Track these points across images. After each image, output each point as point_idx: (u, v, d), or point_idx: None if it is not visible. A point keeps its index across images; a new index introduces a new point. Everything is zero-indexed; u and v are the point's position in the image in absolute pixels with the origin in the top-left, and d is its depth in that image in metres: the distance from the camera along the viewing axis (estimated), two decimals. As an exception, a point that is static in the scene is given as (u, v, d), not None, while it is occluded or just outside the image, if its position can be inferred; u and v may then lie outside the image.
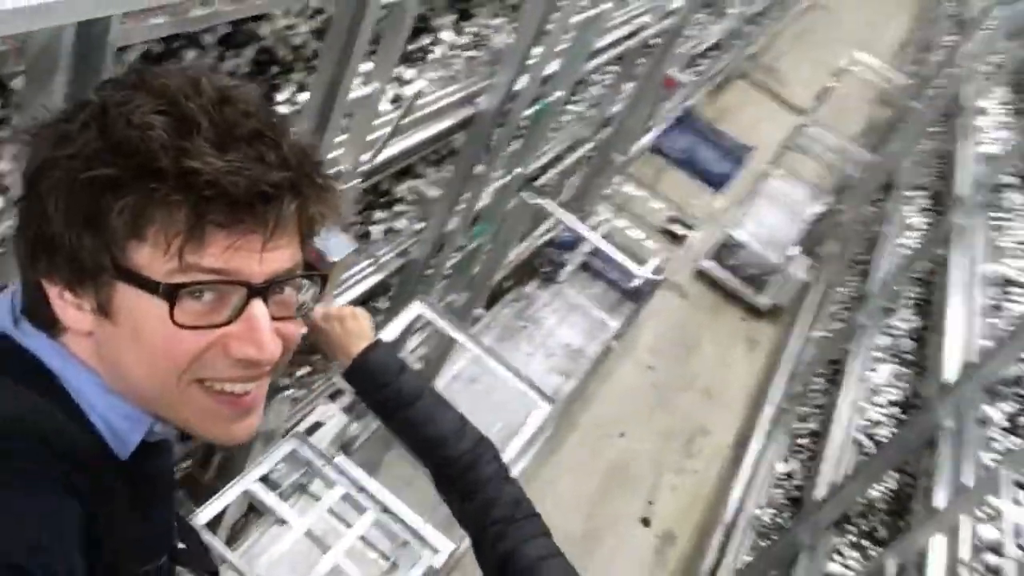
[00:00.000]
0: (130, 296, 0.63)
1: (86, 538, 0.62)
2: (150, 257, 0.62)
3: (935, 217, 4.26)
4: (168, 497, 0.83)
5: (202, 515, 1.56)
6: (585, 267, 5.13)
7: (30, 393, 0.65)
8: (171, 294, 0.62)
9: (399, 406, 1.32)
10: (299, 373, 2.63)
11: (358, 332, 1.35)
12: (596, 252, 5.07)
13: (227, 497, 1.63)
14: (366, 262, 2.52)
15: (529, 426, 2.25)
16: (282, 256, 0.66)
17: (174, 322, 0.62)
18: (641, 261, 4.18)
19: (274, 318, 0.66)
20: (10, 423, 0.62)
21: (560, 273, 4.93)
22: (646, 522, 4.03)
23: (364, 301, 2.79)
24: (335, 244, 1.54)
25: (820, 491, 2.78)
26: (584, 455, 4.21)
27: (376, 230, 2.55)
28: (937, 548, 1.80)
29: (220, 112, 0.62)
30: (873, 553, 2.20)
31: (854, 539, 2.49)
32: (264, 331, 0.65)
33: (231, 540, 1.96)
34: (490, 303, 4.57)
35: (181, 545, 0.87)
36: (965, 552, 1.68)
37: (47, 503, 0.59)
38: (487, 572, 1.27)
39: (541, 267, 4.81)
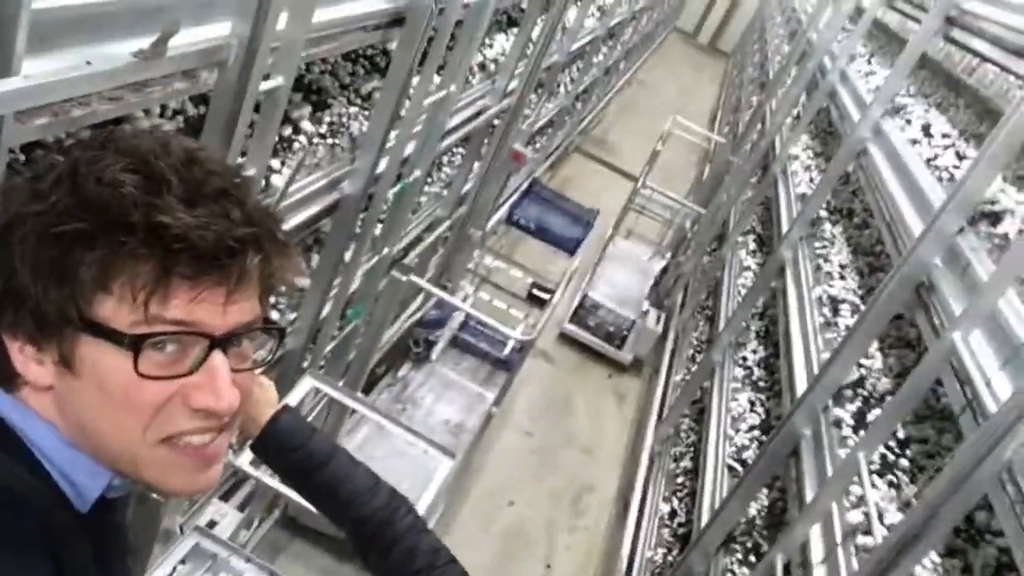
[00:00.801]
0: (94, 348, 0.64)
1: None
2: (115, 309, 0.64)
3: (765, 256, 4.70)
4: (125, 553, 0.83)
5: None
6: (455, 342, 5.22)
7: None
8: (135, 344, 0.64)
9: (312, 468, 1.30)
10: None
11: (265, 400, 1.31)
12: (465, 327, 5.20)
13: None
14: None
15: (435, 481, 2.29)
16: (243, 309, 0.69)
17: (138, 372, 0.64)
18: (511, 328, 4.34)
19: (233, 370, 0.69)
20: None
21: (432, 352, 4.99)
22: (546, 584, 4.06)
23: (243, 396, 2.75)
24: None
25: (703, 520, 2.95)
26: (476, 527, 4.22)
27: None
28: (815, 538, 1.98)
29: (188, 171, 0.65)
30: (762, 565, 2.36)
31: (741, 557, 2.65)
32: (223, 381, 0.67)
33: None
34: (367, 390, 4.56)
35: None
36: (838, 537, 1.87)
37: (29, 563, 0.60)
38: None
39: (412, 348, 4.85)
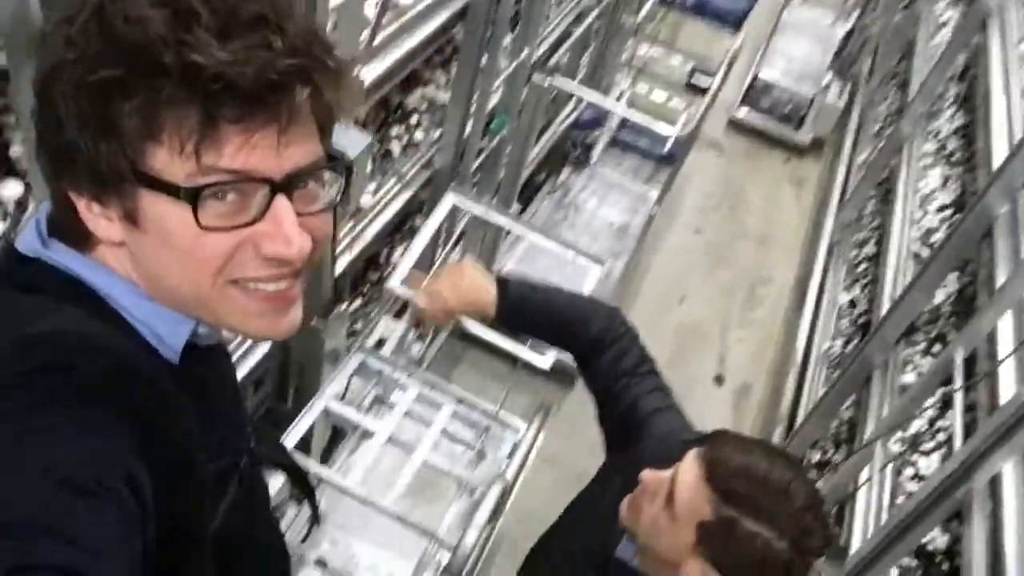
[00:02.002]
0: (154, 202, 0.62)
1: (145, 448, 0.62)
2: (168, 161, 0.61)
3: (967, 6, 4.03)
4: (233, 400, 0.86)
5: (288, 440, 1.66)
6: (615, 142, 5.05)
7: (73, 309, 0.65)
8: (193, 197, 0.61)
9: (545, 321, 1.41)
10: (356, 303, 2.70)
11: (476, 285, 1.38)
12: (623, 124, 4.98)
13: (308, 418, 1.73)
14: (392, 180, 2.55)
15: (586, 287, 2.29)
16: (301, 150, 0.64)
17: (199, 225, 0.62)
18: (670, 122, 4.12)
19: (300, 214, 0.65)
20: (60, 339, 0.62)
21: (591, 154, 4.87)
22: (719, 380, 4.09)
23: (402, 220, 2.83)
24: (350, 140, 1.51)
25: (884, 310, 2.77)
26: (647, 330, 4.20)
27: (396, 147, 2.56)
28: (1004, 328, 1.79)
29: None
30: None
31: (924, 348, 2.48)
32: (291, 226, 0.64)
33: (322, 462, 2.08)
34: (528, 199, 4.57)
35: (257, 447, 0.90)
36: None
37: (101, 422, 0.60)
38: (608, 426, 1.38)
39: (571, 152, 4.76)
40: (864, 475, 2.20)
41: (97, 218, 0.65)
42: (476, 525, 1.43)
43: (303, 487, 1.07)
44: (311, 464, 1.67)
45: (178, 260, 0.64)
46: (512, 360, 3.56)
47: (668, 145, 4.50)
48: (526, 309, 1.39)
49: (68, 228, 0.67)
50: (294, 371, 1.92)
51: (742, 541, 0.99)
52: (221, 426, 0.78)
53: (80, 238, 0.67)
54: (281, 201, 0.64)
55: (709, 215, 5.12)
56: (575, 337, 1.39)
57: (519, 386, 2.17)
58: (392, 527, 1.68)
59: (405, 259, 2.11)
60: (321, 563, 1.81)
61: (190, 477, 0.69)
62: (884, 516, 2.01)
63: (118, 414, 0.61)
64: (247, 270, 0.66)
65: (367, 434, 1.88)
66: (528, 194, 4.56)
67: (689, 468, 1.05)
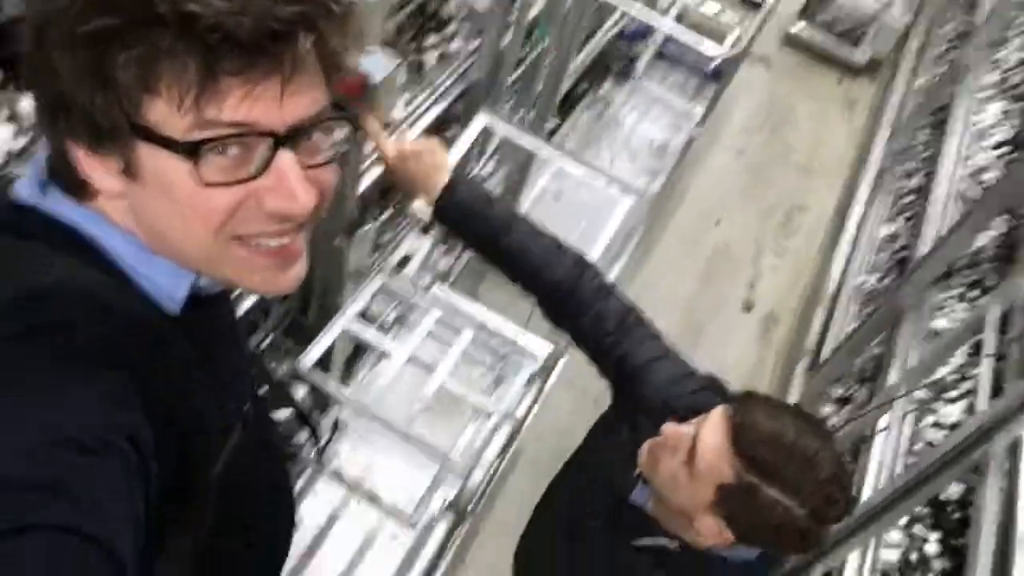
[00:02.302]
0: (153, 156, 0.61)
1: (148, 401, 0.62)
2: (166, 113, 0.59)
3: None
4: (235, 346, 0.86)
5: (307, 358, 1.68)
6: (661, 56, 4.86)
7: (71, 260, 0.64)
8: (193, 151, 0.59)
9: (492, 237, 1.33)
10: (383, 216, 2.69)
11: (436, 165, 1.33)
12: (671, 37, 4.78)
13: (328, 337, 1.75)
14: (425, 92, 2.48)
15: (615, 219, 2.25)
16: (305, 100, 0.62)
17: (200, 180, 0.60)
18: (720, 37, 3.93)
19: (306, 167, 0.64)
20: (61, 294, 0.61)
21: (635, 67, 4.70)
22: (748, 307, 4.05)
23: (435, 131, 2.78)
24: (376, 63, 1.45)
25: (924, 248, 2.69)
26: (680, 251, 4.20)
27: (430, 57, 2.48)
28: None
29: None
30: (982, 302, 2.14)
31: (959, 293, 2.42)
32: (295, 182, 0.63)
33: (343, 380, 2.12)
34: (567, 111, 4.45)
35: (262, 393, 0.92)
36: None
37: (103, 378, 0.60)
38: (608, 378, 1.35)
39: (614, 64, 4.59)
40: (884, 421, 2.19)
41: (95, 169, 0.63)
42: (483, 463, 1.44)
43: (306, 425, 1.09)
44: (329, 382, 1.70)
45: (179, 214, 0.63)
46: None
47: (714, 65, 4.33)
48: (475, 208, 1.31)
49: (66, 177, 0.65)
50: (317, 287, 1.93)
51: (762, 507, 0.99)
52: (224, 373, 0.78)
53: (78, 187, 0.65)
54: (285, 155, 0.62)
55: (753, 135, 4.96)
56: (535, 272, 1.32)
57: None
58: (409, 441, 1.72)
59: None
60: (337, 475, 1.86)
61: (194, 427, 0.69)
62: (900, 464, 2.01)
63: (120, 369, 0.61)
64: (250, 226, 0.64)
65: (386, 354, 1.90)
66: (568, 105, 4.44)
67: (714, 429, 1.04)
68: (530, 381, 1.91)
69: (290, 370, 1.70)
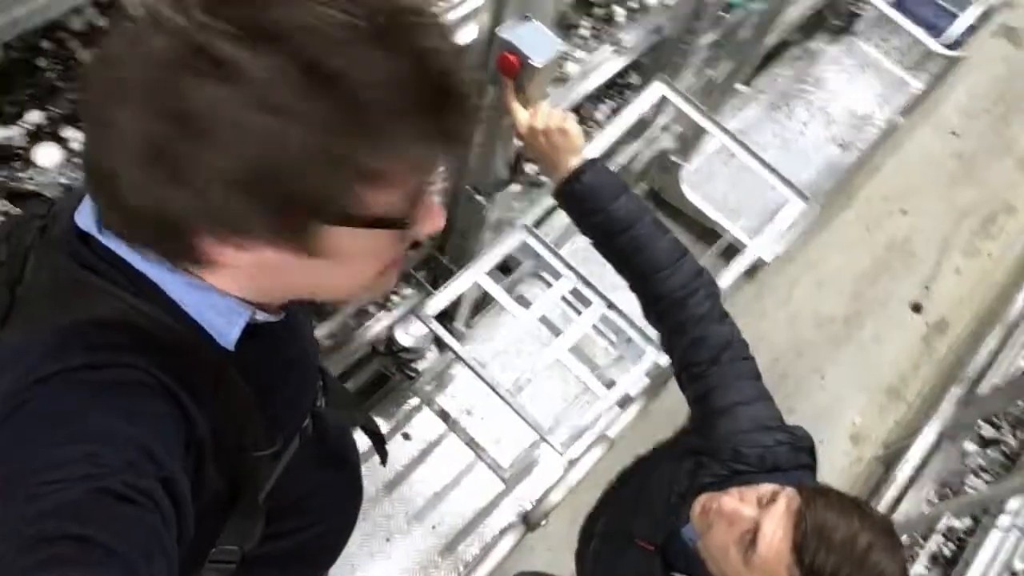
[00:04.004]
0: (356, 235, 0.60)
1: (196, 432, 0.64)
2: (393, 196, 0.60)
3: None
4: (297, 372, 0.86)
5: (432, 305, 1.74)
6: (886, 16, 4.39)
7: (127, 294, 0.64)
8: (408, 219, 0.62)
9: (608, 233, 1.30)
10: (528, 169, 2.69)
11: (567, 148, 1.31)
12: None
13: (455, 288, 1.78)
14: (607, 48, 2.40)
15: (781, 220, 2.14)
16: None
17: (408, 243, 0.66)
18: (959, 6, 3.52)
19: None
20: (113, 323, 0.63)
21: (856, 22, 4.29)
22: (917, 308, 3.75)
23: (610, 83, 2.70)
24: (537, 42, 1.33)
25: None
26: (858, 232, 3.92)
27: (620, 12, 2.39)
28: None
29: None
30: None
31: None
32: (439, 208, 0.67)
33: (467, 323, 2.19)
34: (768, 60, 4.17)
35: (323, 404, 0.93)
36: None
37: (150, 416, 0.61)
38: (688, 400, 1.32)
39: (830, 19, 4.21)
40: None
41: (230, 250, 0.62)
42: (566, 484, 1.44)
43: (372, 438, 1.14)
44: (447, 337, 1.76)
45: (354, 272, 0.64)
46: (697, 233, 3.48)
47: (957, 28, 3.81)
48: (597, 200, 1.28)
49: (166, 246, 0.64)
50: (456, 232, 1.98)
51: None
52: (281, 403, 0.80)
53: (179, 255, 0.64)
54: (433, 187, 0.66)
55: (974, 118, 4.45)
56: (644, 277, 1.29)
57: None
58: (518, 394, 1.76)
59: (593, 144, 2.04)
60: (443, 414, 1.96)
61: (245, 452, 0.72)
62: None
63: (170, 404, 0.63)
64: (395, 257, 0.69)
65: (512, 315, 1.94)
66: (770, 54, 4.15)
67: (778, 527, 1.00)
68: (649, 373, 1.89)
69: (411, 311, 1.76)
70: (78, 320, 0.63)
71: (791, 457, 1.20)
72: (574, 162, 1.33)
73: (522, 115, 1.35)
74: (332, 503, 1.06)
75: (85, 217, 0.68)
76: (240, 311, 0.69)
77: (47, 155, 1.11)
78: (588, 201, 1.31)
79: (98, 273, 0.65)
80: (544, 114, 1.34)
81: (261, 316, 0.72)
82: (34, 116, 1.08)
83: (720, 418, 1.24)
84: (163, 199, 0.57)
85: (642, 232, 1.30)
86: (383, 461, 1.25)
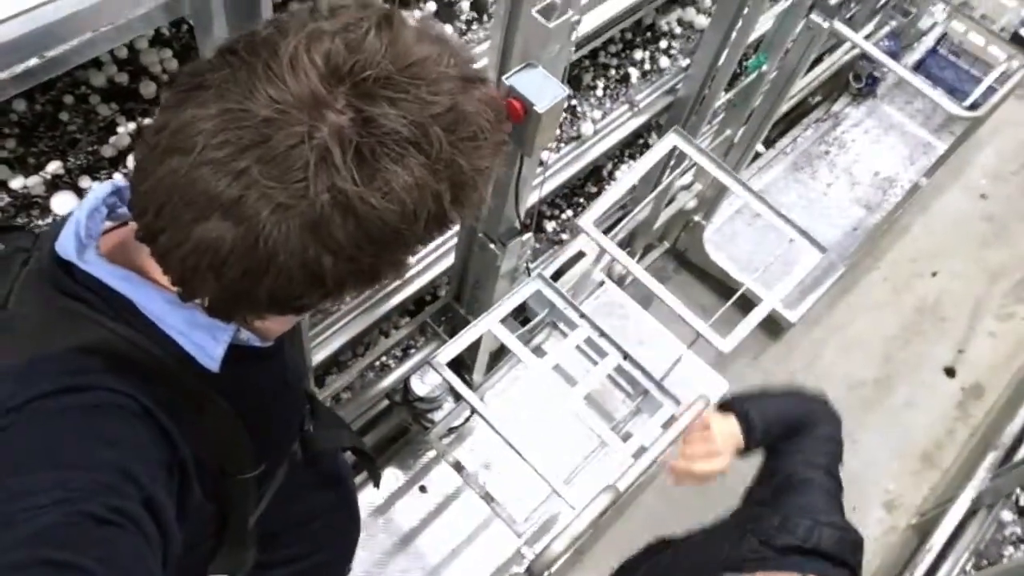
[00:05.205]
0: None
1: (178, 454, 0.64)
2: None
3: None
4: (286, 396, 0.86)
5: (443, 354, 1.75)
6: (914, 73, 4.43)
7: (109, 319, 0.65)
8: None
9: (782, 434, 1.36)
10: (567, 214, 2.72)
11: (728, 440, 1.32)
12: (924, 62, 4.34)
13: (467, 338, 1.79)
14: (622, 109, 2.46)
15: (799, 271, 2.14)
16: None
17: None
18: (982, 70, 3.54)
19: None
20: (99, 349, 0.63)
21: (876, 87, 4.34)
22: (951, 372, 3.66)
23: (629, 143, 2.75)
24: (544, 89, 1.31)
25: None
26: (886, 294, 3.87)
27: (635, 72, 2.45)
28: None
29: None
30: None
31: None
32: None
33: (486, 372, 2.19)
34: (792, 123, 4.21)
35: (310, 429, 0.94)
36: None
37: (132, 441, 0.61)
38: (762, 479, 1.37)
39: (852, 83, 4.26)
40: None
41: (278, 320, 0.71)
42: (570, 534, 1.41)
43: (362, 459, 1.14)
44: (459, 385, 1.76)
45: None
46: (722, 292, 3.46)
47: (977, 92, 3.83)
48: (770, 434, 1.35)
49: (218, 314, 0.67)
50: (470, 282, 2.01)
51: None
52: (268, 426, 0.80)
53: (222, 315, 0.67)
54: None
55: (1002, 181, 4.41)
56: (801, 439, 1.34)
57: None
58: (534, 447, 1.74)
59: (602, 199, 2.07)
60: (458, 465, 1.95)
61: (231, 476, 0.73)
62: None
63: (151, 430, 0.63)
64: None
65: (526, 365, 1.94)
66: (793, 117, 4.20)
67: None
68: (666, 425, 1.87)
69: (426, 360, 1.78)
70: (60, 348, 0.64)
71: (837, 546, 1.17)
72: (737, 430, 1.33)
73: (717, 467, 1.34)
74: (331, 528, 1.06)
75: (65, 245, 0.68)
76: (224, 327, 0.70)
77: (63, 203, 1.14)
78: (769, 437, 1.35)
79: (79, 300, 0.66)
80: (702, 454, 1.34)
81: (245, 335, 0.73)
82: (53, 166, 1.12)
83: (784, 492, 1.26)
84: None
85: (792, 411, 1.38)
86: (376, 484, 1.25)
